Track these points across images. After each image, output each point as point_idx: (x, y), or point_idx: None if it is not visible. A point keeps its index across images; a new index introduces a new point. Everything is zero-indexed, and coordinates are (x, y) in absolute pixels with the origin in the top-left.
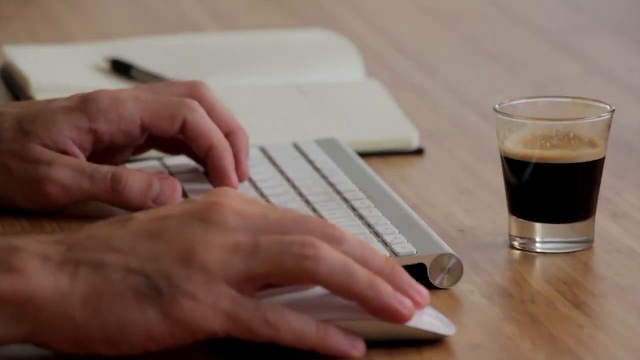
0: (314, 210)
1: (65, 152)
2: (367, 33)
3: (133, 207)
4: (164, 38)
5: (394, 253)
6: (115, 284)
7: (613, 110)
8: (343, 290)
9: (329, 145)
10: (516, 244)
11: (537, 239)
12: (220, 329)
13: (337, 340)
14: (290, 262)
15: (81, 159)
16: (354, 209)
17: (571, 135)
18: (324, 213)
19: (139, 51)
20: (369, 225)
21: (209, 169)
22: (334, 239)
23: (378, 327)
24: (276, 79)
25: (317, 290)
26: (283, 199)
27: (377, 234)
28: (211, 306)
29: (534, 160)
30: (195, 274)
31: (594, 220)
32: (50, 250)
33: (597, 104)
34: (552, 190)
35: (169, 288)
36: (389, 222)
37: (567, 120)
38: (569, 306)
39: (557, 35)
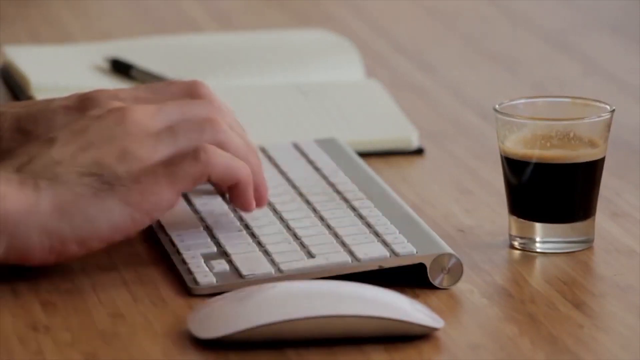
0: (314, 210)
1: None
2: (367, 33)
3: None
4: (164, 38)
5: (394, 253)
6: (74, 186)
7: (613, 110)
8: (240, 156)
9: (329, 145)
10: (516, 244)
11: (537, 239)
12: (170, 195)
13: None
14: (207, 137)
15: None
16: (354, 209)
17: (571, 135)
18: (324, 213)
19: (139, 51)
20: (369, 225)
21: None
22: (223, 113)
23: (372, 324)
24: (276, 79)
25: (312, 285)
26: (283, 199)
27: (377, 234)
28: (153, 183)
29: (534, 160)
30: (134, 164)
31: (594, 220)
32: (3, 174)
33: (597, 104)
34: (552, 190)
35: (118, 180)
36: (389, 222)
37: (567, 120)
38: (569, 306)
39: (557, 35)
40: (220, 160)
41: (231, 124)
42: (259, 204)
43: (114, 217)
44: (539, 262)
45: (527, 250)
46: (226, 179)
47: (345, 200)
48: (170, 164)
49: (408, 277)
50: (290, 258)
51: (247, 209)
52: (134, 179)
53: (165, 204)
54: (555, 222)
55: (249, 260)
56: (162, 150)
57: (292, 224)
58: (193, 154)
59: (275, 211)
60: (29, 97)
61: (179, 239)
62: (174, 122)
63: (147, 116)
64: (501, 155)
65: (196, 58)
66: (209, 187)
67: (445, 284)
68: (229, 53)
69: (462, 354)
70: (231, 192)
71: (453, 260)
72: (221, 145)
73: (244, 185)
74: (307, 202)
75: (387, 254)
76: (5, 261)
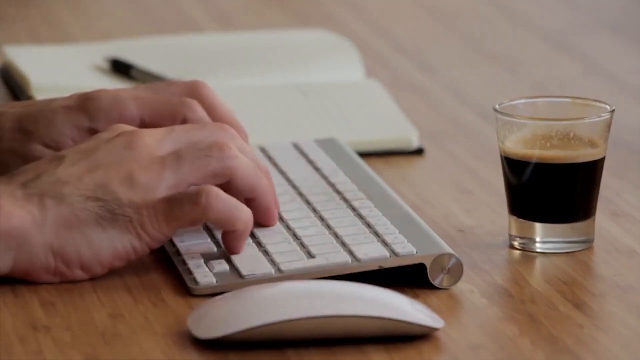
0: (314, 210)
1: None
2: (367, 33)
3: None
4: (164, 38)
5: (394, 253)
6: (78, 210)
7: (613, 110)
8: (249, 185)
9: (329, 145)
10: (516, 244)
11: (537, 239)
12: (166, 231)
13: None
14: (214, 163)
15: None
16: (354, 209)
17: (571, 135)
18: (324, 213)
19: (139, 51)
20: (369, 225)
21: None
22: (233, 137)
23: (373, 324)
24: (276, 79)
25: (312, 285)
26: (283, 199)
27: (377, 234)
28: (153, 218)
29: (534, 160)
30: (139, 192)
31: (594, 220)
32: (8, 188)
33: (597, 104)
34: (552, 190)
35: (120, 208)
36: (389, 222)
37: (567, 120)
38: (569, 306)
39: (557, 35)
40: (220, 207)
41: (241, 146)
42: (271, 222)
43: (114, 244)
44: (539, 262)
45: (527, 250)
46: (224, 225)
47: (345, 200)
48: (171, 202)
49: (408, 277)
50: (290, 258)
51: (234, 253)
52: (136, 210)
53: (161, 238)
54: (555, 222)
55: (249, 260)
56: (168, 178)
57: (292, 224)
58: (194, 197)
59: None
60: (29, 97)
61: (179, 239)
62: (182, 147)
63: (156, 140)
64: (501, 155)
65: (196, 58)
66: None
67: (445, 284)
68: (229, 53)
69: (462, 354)
70: (224, 234)
71: (453, 260)
72: (230, 171)
73: (239, 234)
74: (307, 202)
75: (387, 254)
76: (11, 275)
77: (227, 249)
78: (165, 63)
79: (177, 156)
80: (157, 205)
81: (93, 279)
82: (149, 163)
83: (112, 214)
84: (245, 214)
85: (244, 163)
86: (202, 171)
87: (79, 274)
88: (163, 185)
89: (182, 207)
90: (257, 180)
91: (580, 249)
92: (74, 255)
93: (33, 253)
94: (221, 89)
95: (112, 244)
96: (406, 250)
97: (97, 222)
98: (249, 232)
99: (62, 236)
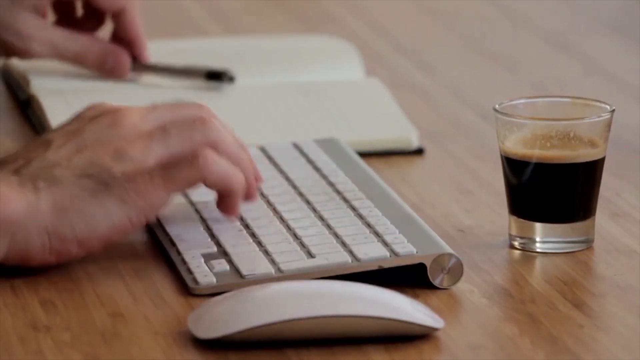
0: (314, 210)
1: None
2: (367, 33)
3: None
4: (165, 41)
5: (394, 253)
6: (72, 187)
7: (613, 110)
8: (233, 157)
9: (329, 145)
10: (516, 244)
11: (537, 239)
12: (164, 195)
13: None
14: (199, 136)
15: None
16: (354, 209)
17: (571, 135)
18: (324, 213)
19: None
20: (369, 225)
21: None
22: (213, 114)
23: (373, 324)
24: (276, 79)
25: (312, 285)
26: (283, 199)
27: (377, 234)
28: (149, 183)
29: (534, 160)
30: (129, 164)
31: (594, 220)
32: (1, 175)
33: (597, 104)
34: (552, 190)
35: (114, 180)
36: (389, 222)
37: (567, 120)
38: (569, 306)
39: (557, 35)
40: (217, 168)
41: (221, 123)
42: (252, 196)
43: (111, 216)
44: (539, 262)
45: (527, 250)
46: (220, 187)
47: (345, 200)
48: (167, 167)
49: (408, 277)
50: (290, 258)
51: (232, 215)
52: (130, 178)
53: (159, 203)
54: (555, 222)
55: (249, 260)
56: (156, 150)
57: (292, 224)
58: (191, 159)
59: (275, 211)
60: (29, 97)
61: (179, 239)
62: (166, 122)
63: (140, 117)
64: (501, 155)
65: (197, 60)
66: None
67: (445, 284)
68: (229, 54)
69: (462, 354)
70: (220, 197)
71: (453, 260)
72: (214, 144)
73: (235, 194)
74: (307, 202)
75: (387, 254)
76: (6, 262)
77: (225, 212)
78: None
79: (163, 130)
80: (152, 171)
81: (93, 279)
82: (136, 138)
83: (106, 186)
84: (239, 175)
85: (227, 137)
86: (187, 143)
87: (75, 250)
88: (152, 157)
89: (179, 169)
90: (239, 153)
91: (580, 249)
92: (69, 233)
93: (28, 238)
94: (222, 89)
95: (108, 217)
96: (406, 250)
97: (92, 196)
98: (243, 193)
99: (57, 217)
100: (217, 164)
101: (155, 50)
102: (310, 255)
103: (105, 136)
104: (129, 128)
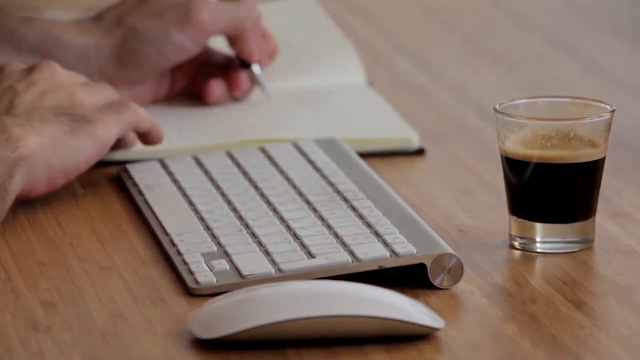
0: (314, 210)
1: None
2: (367, 33)
3: None
4: None
5: (394, 253)
6: (57, 125)
7: (613, 110)
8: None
9: (329, 145)
10: (516, 244)
11: (537, 239)
12: (114, 131)
13: None
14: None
15: None
16: (354, 209)
17: (571, 135)
18: (324, 213)
19: None
20: (369, 225)
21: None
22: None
23: (374, 324)
24: (276, 84)
25: (313, 285)
26: (283, 199)
27: (377, 234)
28: (106, 119)
29: (534, 160)
30: (85, 106)
31: (594, 220)
32: (5, 118)
33: (597, 104)
34: (552, 190)
35: (84, 117)
36: (389, 222)
37: (567, 120)
38: (569, 306)
39: (557, 35)
40: (145, 115)
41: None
42: (155, 140)
43: (86, 150)
44: (539, 262)
45: (527, 250)
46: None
47: (345, 200)
48: (110, 107)
49: (408, 277)
50: (290, 258)
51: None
52: (94, 116)
53: (111, 138)
54: (555, 222)
55: (249, 260)
56: (96, 93)
57: (292, 224)
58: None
59: (275, 211)
60: None
61: (179, 239)
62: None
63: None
64: (501, 155)
65: None
66: (209, 186)
67: (445, 284)
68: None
69: (463, 354)
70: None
71: (453, 260)
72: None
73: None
74: (307, 202)
75: (387, 254)
76: (19, 195)
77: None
78: None
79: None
80: (102, 109)
81: (93, 279)
82: (77, 85)
83: (78, 122)
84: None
85: (140, 111)
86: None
87: (61, 181)
88: (97, 98)
89: (120, 111)
90: (147, 115)
91: (580, 249)
92: (60, 166)
93: (37, 172)
94: None
95: (84, 149)
96: (406, 250)
97: (72, 131)
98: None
99: (55, 150)
100: (140, 115)
101: None
102: (311, 255)
103: (57, 80)
104: (68, 76)
